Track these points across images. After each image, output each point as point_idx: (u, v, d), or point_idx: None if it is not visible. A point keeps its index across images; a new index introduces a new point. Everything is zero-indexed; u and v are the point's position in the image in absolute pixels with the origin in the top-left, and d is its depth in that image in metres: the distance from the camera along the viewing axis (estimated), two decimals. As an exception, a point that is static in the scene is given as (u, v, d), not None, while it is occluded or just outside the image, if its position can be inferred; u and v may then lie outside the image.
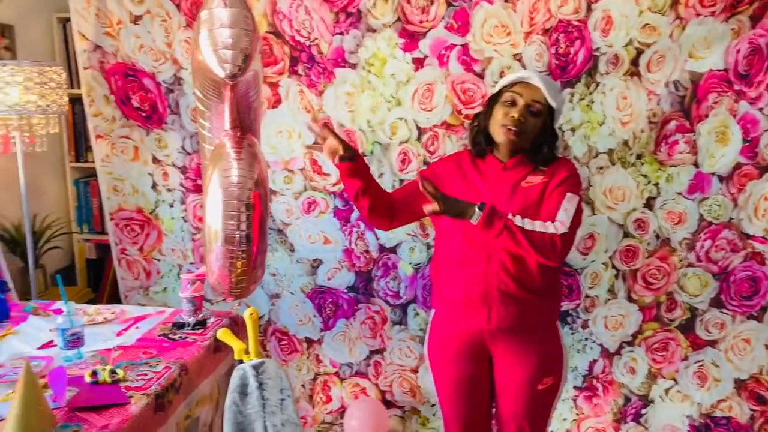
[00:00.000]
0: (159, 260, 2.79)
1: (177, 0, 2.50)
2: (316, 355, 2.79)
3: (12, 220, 2.65)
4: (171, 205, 2.72)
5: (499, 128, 1.72)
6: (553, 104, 1.72)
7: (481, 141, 1.80)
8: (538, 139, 1.74)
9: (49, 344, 1.76)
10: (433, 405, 2.72)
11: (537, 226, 1.64)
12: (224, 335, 1.67)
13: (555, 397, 1.81)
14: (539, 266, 1.73)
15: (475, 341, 1.77)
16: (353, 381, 2.76)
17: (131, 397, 1.45)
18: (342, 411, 2.75)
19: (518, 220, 1.62)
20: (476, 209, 1.60)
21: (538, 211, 1.70)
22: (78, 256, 3.02)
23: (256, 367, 1.05)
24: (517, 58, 2.38)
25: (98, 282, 3.03)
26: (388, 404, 2.74)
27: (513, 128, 1.68)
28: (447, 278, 1.80)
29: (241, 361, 1.56)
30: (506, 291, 1.70)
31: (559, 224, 1.64)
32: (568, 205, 1.69)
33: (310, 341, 2.78)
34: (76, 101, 2.78)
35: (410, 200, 1.87)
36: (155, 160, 2.69)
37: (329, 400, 2.79)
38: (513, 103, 1.72)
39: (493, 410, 1.93)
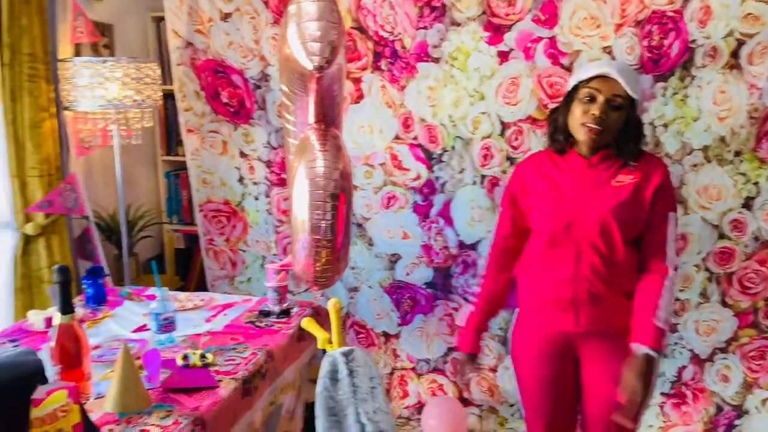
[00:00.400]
0: (244, 251, 2.87)
1: (265, -3, 2.56)
2: (393, 349, 2.79)
3: (108, 209, 2.80)
4: (256, 198, 2.80)
5: (579, 127, 1.65)
6: (635, 96, 1.64)
7: (560, 139, 1.73)
8: (622, 133, 1.66)
9: (142, 328, 1.84)
10: (512, 405, 2.67)
11: (666, 293, 1.63)
12: (309, 324, 1.70)
13: (643, 404, 1.74)
14: (630, 268, 1.67)
15: (562, 342, 1.73)
16: (430, 377, 2.76)
17: (220, 381, 1.50)
18: (419, 407, 2.75)
19: (662, 315, 1.59)
20: (649, 354, 1.57)
21: (632, 212, 1.64)
22: (167, 246, 3.15)
23: (345, 354, 1.06)
24: (607, 50, 2.30)
25: (186, 271, 3.15)
26: (465, 402, 2.72)
27: (595, 126, 1.61)
28: (535, 278, 1.76)
29: (324, 351, 1.58)
30: (596, 293, 1.65)
31: (671, 265, 1.66)
32: (673, 231, 1.67)
33: (387, 335, 2.79)
34: (168, 97, 2.90)
35: (518, 231, 1.83)
36: (242, 154, 2.77)
37: (406, 395, 2.80)
38: (592, 99, 1.63)
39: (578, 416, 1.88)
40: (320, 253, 1.85)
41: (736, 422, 2.40)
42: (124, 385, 1.36)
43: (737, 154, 2.28)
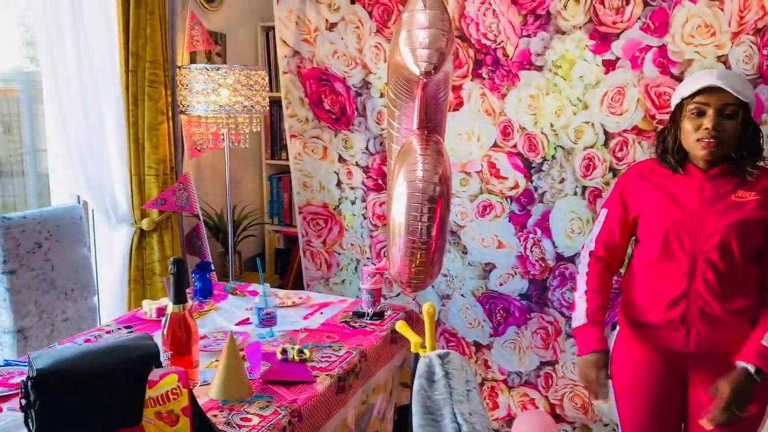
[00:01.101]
0: (339, 254, 2.94)
1: (369, 8, 2.63)
2: (485, 360, 2.77)
3: (216, 209, 2.95)
4: (353, 202, 2.86)
5: (694, 143, 1.59)
6: (746, 99, 1.56)
7: (672, 160, 1.66)
8: (741, 142, 1.58)
9: (245, 321, 1.93)
10: (606, 425, 2.58)
11: None
12: (402, 327, 1.72)
13: (758, 428, 1.64)
14: (746, 287, 1.59)
15: (670, 363, 1.66)
16: (521, 390, 2.71)
17: (317, 376, 1.55)
18: (508, 419, 2.71)
19: None
20: (748, 368, 1.52)
21: (754, 230, 1.57)
22: (268, 245, 3.28)
23: (441, 357, 1.07)
24: (722, 59, 2.19)
25: (284, 270, 3.27)
26: (557, 418, 2.65)
27: (711, 140, 1.55)
28: (642, 293, 1.69)
29: (417, 355, 1.60)
30: (709, 312, 1.57)
31: None
32: None
33: (478, 345, 2.77)
34: (274, 103, 3.03)
35: (623, 237, 1.77)
36: (341, 160, 2.84)
37: (496, 407, 2.76)
38: (702, 113, 1.57)
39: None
40: (415, 255, 1.88)
41: None
42: (228, 373, 1.43)
43: None
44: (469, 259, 2.72)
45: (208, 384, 1.48)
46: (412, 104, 1.98)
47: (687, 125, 1.59)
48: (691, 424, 1.70)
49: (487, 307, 2.73)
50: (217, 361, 1.55)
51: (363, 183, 2.83)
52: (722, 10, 2.16)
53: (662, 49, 2.26)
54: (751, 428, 1.64)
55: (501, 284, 2.69)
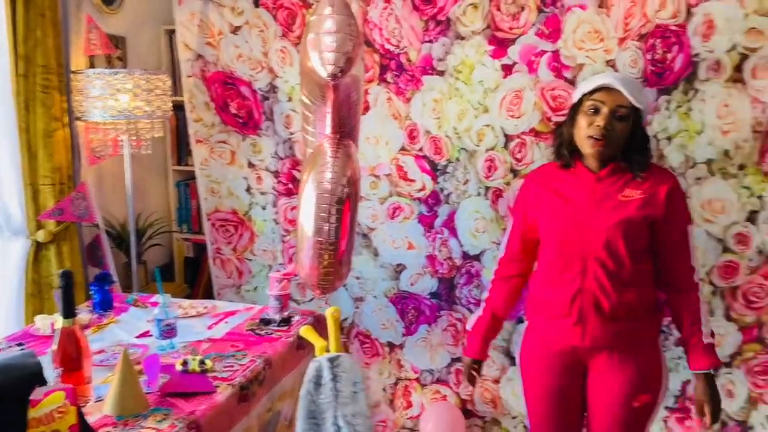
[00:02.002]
0: (251, 260, 2.91)
1: (273, 11, 2.61)
2: (398, 359, 2.81)
3: (119, 218, 2.85)
4: (263, 208, 2.84)
5: (585, 140, 1.66)
6: (639, 105, 1.64)
7: (566, 153, 1.74)
8: (629, 145, 1.67)
9: (146, 334, 1.88)
10: (514, 417, 2.67)
11: (703, 308, 1.72)
12: (307, 332, 1.72)
13: (650, 417, 1.74)
14: (638, 282, 1.68)
15: (570, 356, 1.74)
16: (434, 387, 2.76)
17: (218, 386, 1.53)
18: (421, 416, 2.75)
19: (707, 331, 1.69)
20: (709, 373, 1.70)
21: (638, 228, 1.64)
22: (177, 254, 3.20)
23: (331, 360, 1.08)
24: (611, 64, 2.31)
25: (194, 279, 3.19)
26: (469, 414, 2.72)
27: (600, 138, 1.62)
28: (543, 292, 1.77)
29: (321, 359, 1.61)
30: (602, 308, 1.65)
31: (698, 278, 1.72)
32: (693, 244, 1.71)
33: (392, 345, 2.81)
34: (179, 108, 2.96)
35: (527, 244, 1.86)
36: (250, 165, 2.81)
37: (409, 405, 2.81)
38: (596, 111, 1.64)
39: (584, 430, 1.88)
40: (323, 256, 1.89)
41: (741, 438, 2.38)
42: (122, 388, 1.39)
43: (741, 167, 2.27)
44: (381, 260, 2.75)
45: (103, 400, 1.43)
46: (325, 109, 1.99)
47: (582, 121, 1.66)
48: (590, 413, 1.78)
49: (399, 307, 2.77)
50: (112, 375, 1.50)
51: (273, 188, 2.81)
52: (609, 16, 2.29)
53: (556, 53, 2.36)
54: (644, 416, 1.73)
55: (412, 284, 2.73)
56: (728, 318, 2.36)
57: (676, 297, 1.70)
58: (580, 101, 1.70)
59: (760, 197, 2.28)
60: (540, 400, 1.82)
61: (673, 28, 2.22)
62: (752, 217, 2.29)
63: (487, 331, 1.90)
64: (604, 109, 1.63)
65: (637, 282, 1.68)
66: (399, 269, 2.73)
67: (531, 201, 1.81)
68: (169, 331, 1.75)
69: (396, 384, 2.82)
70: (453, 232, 2.63)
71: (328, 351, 1.70)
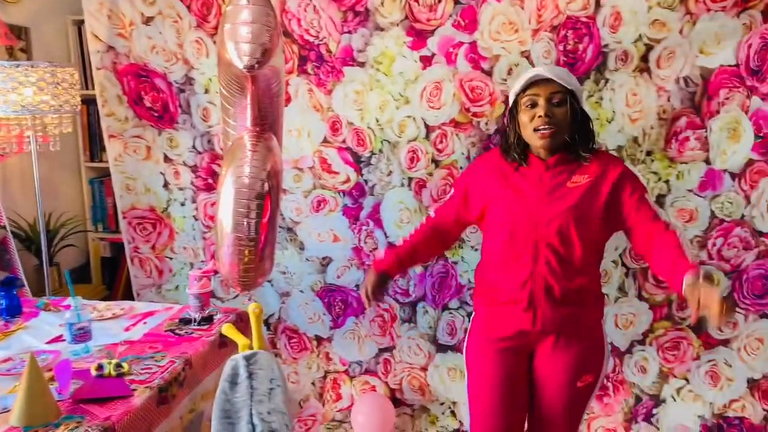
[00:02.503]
0: (171, 258, 2.82)
1: (187, 1, 2.53)
2: (326, 353, 2.80)
3: (27, 218, 2.70)
4: (182, 204, 2.76)
5: (532, 134, 1.69)
6: (571, 87, 1.69)
7: (517, 155, 1.75)
8: (574, 127, 1.70)
9: (58, 339, 1.79)
10: (442, 403, 2.71)
11: (684, 242, 1.62)
12: (228, 330, 1.68)
13: (591, 395, 1.80)
14: (588, 268, 1.72)
15: (518, 340, 1.77)
16: (363, 379, 2.77)
17: (135, 390, 1.48)
18: (351, 409, 2.75)
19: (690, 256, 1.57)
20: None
21: (586, 212, 1.68)
22: (93, 255, 3.07)
23: (247, 358, 1.06)
24: (525, 55, 2.37)
25: (113, 280, 3.07)
26: (398, 402, 2.74)
27: (545, 128, 1.65)
28: (493, 279, 1.79)
29: (244, 356, 1.58)
30: (553, 293, 1.69)
31: (673, 227, 1.66)
32: (654, 205, 1.72)
33: (319, 339, 2.79)
34: (90, 102, 2.83)
35: (460, 216, 1.88)
36: (167, 159, 2.72)
37: (339, 398, 2.80)
38: (534, 105, 1.68)
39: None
40: (243, 252, 1.86)
41: (654, 411, 2.51)
42: (30, 397, 1.32)
43: (649, 153, 2.38)
44: (307, 254, 2.72)
45: (9, 411, 1.36)
46: (245, 101, 1.94)
47: (523, 117, 1.70)
48: (536, 395, 1.82)
49: (326, 300, 2.75)
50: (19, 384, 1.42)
51: (192, 183, 2.73)
52: (523, 8, 2.34)
53: (473, 45, 2.40)
54: (586, 395, 1.79)
55: (338, 277, 2.72)
56: (640, 297, 2.47)
57: (655, 242, 1.63)
58: (516, 102, 1.73)
59: (666, 182, 2.39)
60: (487, 389, 1.82)
61: (584, 19, 2.30)
62: (660, 201, 2.40)
63: (401, 254, 1.90)
64: (541, 100, 1.67)
65: (587, 268, 1.72)
66: (325, 262, 2.72)
67: (476, 186, 1.82)
68: (82, 335, 1.67)
69: (325, 377, 2.81)
70: (378, 223, 2.64)
71: (251, 348, 1.67)
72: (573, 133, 1.70)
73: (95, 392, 1.44)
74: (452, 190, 1.94)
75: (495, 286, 1.80)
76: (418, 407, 2.74)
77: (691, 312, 1.44)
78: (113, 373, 1.54)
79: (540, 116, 1.66)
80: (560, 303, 1.70)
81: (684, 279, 1.47)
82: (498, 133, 1.88)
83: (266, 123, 1.85)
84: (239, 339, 1.65)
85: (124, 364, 1.58)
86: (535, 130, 1.67)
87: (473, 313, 1.93)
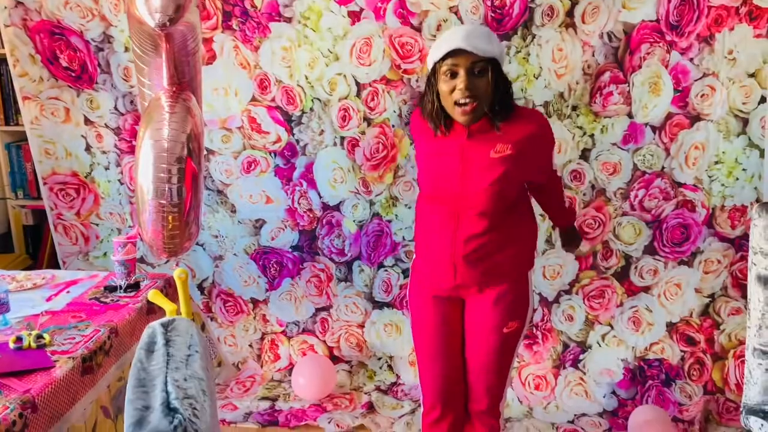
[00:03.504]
0: (97, 224, 2.73)
1: (101, -47, 2.39)
2: (263, 315, 2.79)
3: (-62, 187, 2.56)
4: (106, 168, 2.66)
5: (452, 107, 1.63)
6: (493, 55, 1.63)
7: (438, 123, 1.69)
8: (495, 97, 1.64)
9: (-26, 312, 1.72)
10: (379, 358, 2.76)
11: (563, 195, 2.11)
12: (155, 296, 1.65)
13: (518, 340, 1.87)
14: (509, 229, 1.75)
15: (447, 292, 1.82)
16: (300, 339, 2.79)
17: (56, 361, 1.44)
18: (290, 368, 2.77)
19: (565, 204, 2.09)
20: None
21: (508, 183, 1.69)
22: (14, 223, 2.94)
23: (165, 325, 1.04)
24: (453, 10, 2.36)
25: (37, 249, 2.96)
26: (336, 360, 2.78)
27: (466, 101, 1.60)
28: (421, 236, 1.84)
29: (172, 322, 1.56)
30: (471, 257, 1.72)
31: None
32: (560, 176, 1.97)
33: (255, 301, 2.78)
34: (1, 62, 2.67)
35: None
36: (87, 122, 2.61)
37: (277, 358, 2.81)
38: (454, 75, 1.61)
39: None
40: (167, 219, 1.81)
41: (581, 356, 2.62)
42: (-59, 374, 1.27)
43: (574, 108, 2.43)
44: (239, 217, 2.69)
45: None
46: (159, 59, 1.86)
47: (443, 87, 1.63)
48: (467, 341, 1.87)
49: (260, 263, 2.73)
50: (-69, 361, 1.36)
51: (116, 146, 2.63)
52: (450, -37, 2.31)
53: (401, 0, 2.36)
54: (513, 340, 1.86)
55: (272, 239, 2.70)
56: (567, 249, 2.55)
57: (544, 194, 1.97)
58: (434, 68, 1.66)
59: (591, 136, 2.45)
60: (426, 333, 1.89)
61: (510, -26, 2.30)
62: (585, 155, 2.47)
63: None
64: (461, 71, 1.60)
65: (507, 222, 1.74)
66: (258, 224, 2.69)
67: (416, 136, 1.86)
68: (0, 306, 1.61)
69: (262, 339, 2.82)
70: (312, 183, 2.62)
71: (179, 314, 1.65)
72: (494, 102, 1.65)
73: (13, 365, 1.40)
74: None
75: (423, 240, 1.85)
76: (356, 363, 2.78)
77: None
78: (33, 345, 1.49)
79: (461, 88, 1.59)
80: (479, 265, 1.74)
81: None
82: (419, 101, 1.84)
83: (184, 82, 1.79)
84: (166, 305, 1.62)
85: (45, 336, 1.53)
86: (456, 104, 1.62)
87: (414, 256, 1.95)
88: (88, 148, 2.63)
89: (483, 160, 1.67)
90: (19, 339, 1.50)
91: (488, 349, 1.83)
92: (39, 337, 1.52)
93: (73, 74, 2.55)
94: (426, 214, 1.82)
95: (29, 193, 2.90)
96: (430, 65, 1.70)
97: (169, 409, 0.79)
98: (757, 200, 2.40)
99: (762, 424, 1.64)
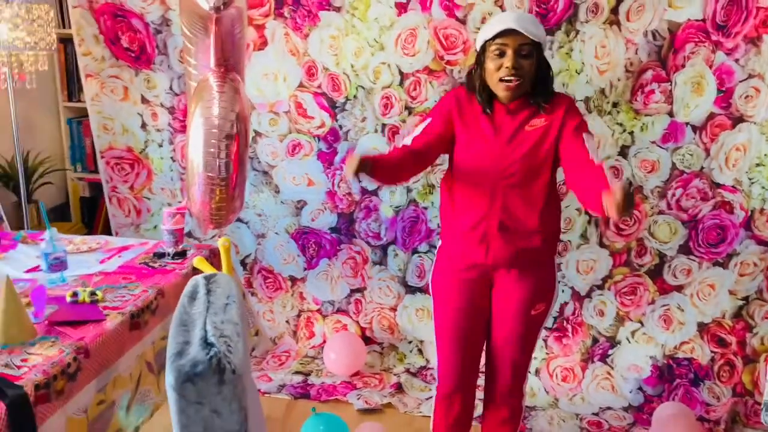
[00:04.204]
0: (149, 199, 2.88)
1: (164, -60, 2.52)
2: (300, 292, 2.90)
3: (6, 155, 2.74)
4: (160, 145, 2.80)
5: (497, 83, 1.74)
6: (539, 40, 1.74)
7: (482, 99, 1.80)
8: (537, 78, 1.77)
9: (35, 269, 1.86)
10: (410, 342, 2.83)
11: (608, 173, 1.65)
12: (200, 263, 1.76)
13: (543, 322, 1.93)
14: (541, 206, 1.80)
15: (476, 273, 1.87)
16: (335, 318, 2.88)
17: (107, 315, 1.56)
18: (324, 346, 2.87)
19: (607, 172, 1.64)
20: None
21: (541, 154, 1.76)
22: (72, 194, 3.12)
23: (207, 278, 1.14)
24: (499, 4, 2.40)
25: (92, 219, 3.13)
26: (368, 341, 2.86)
27: (510, 79, 1.71)
28: (454, 213, 1.89)
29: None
30: (505, 229, 1.79)
31: (601, 162, 1.71)
32: (593, 145, 1.76)
33: (294, 279, 2.89)
34: (68, 41, 2.83)
35: (433, 145, 1.86)
36: (144, 100, 2.75)
37: (312, 335, 2.92)
38: (502, 54, 1.72)
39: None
40: (215, 191, 1.93)
41: (610, 352, 2.64)
42: (6, 317, 1.40)
43: (615, 105, 2.45)
44: (282, 197, 2.79)
45: (-12, 331, 1.44)
46: (207, 41, 1.97)
47: (490, 65, 1.74)
48: (494, 322, 1.92)
49: (300, 242, 2.84)
50: (-3, 308, 1.50)
51: (169, 125, 2.77)
52: (498, -43, 2.36)
53: (448, -7, 2.43)
54: (539, 322, 1.92)
55: (312, 220, 2.80)
56: (601, 245, 2.58)
57: (585, 178, 1.68)
58: (484, 47, 1.77)
59: (631, 133, 2.47)
60: (450, 316, 1.94)
61: (557, -30, 2.33)
62: (624, 152, 2.49)
63: (377, 157, 1.73)
64: (509, 51, 1.71)
65: (540, 205, 1.80)
66: (300, 205, 2.79)
67: (456, 114, 1.84)
68: (57, 265, 1.74)
69: (299, 316, 2.92)
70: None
71: (220, 279, 1.76)
72: (535, 83, 1.77)
73: (69, 316, 1.52)
74: (428, 119, 1.91)
75: (455, 219, 1.89)
76: (387, 345, 2.86)
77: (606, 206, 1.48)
78: (87, 300, 1.61)
79: (507, 67, 1.71)
80: (511, 241, 1.80)
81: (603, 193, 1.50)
82: (466, 77, 1.91)
83: (229, 64, 1.89)
84: (210, 270, 1.73)
85: (98, 293, 1.65)
86: (501, 80, 1.73)
87: (440, 242, 2.01)
88: (143, 126, 2.78)
89: (519, 134, 1.77)
90: (75, 294, 1.62)
91: (516, 329, 1.88)
92: (93, 293, 1.64)
93: (133, 54, 2.69)
94: (460, 192, 1.86)
95: (87, 167, 3.08)
96: (479, 44, 1.79)
97: (207, 344, 0.88)
98: (798, 204, 2.38)
99: (782, 421, 1.66)
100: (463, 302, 1.91)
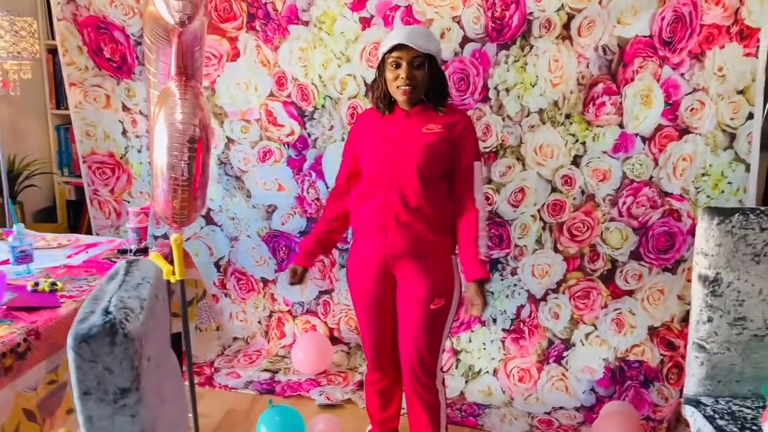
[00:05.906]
0: (128, 202, 3.02)
1: (144, -43, 2.67)
2: (271, 294, 3.02)
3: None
4: (139, 151, 2.94)
5: (395, 90, 1.94)
6: (430, 52, 1.91)
7: (382, 105, 2.00)
8: (430, 85, 1.94)
9: (4, 262, 1.99)
10: (374, 342, 2.94)
11: (481, 230, 1.95)
12: (155, 258, 1.89)
13: (446, 318, 2.02)
14: (434, 199, 1.95)
15: (380, 263, 2.01)
16: (304, 318, 3.00)
17: (63, 303, 1.68)
18: (293, 345, 2.98)
19: (482, 248, 1.94)
20: (480, 280, 1.94)
21: (434, 155, 1.92)
22: (59, 197, 3.26)
23: (130, 263, 1.26)
24: (456, 20, 2.53)
25: (77, 221, 3.27)
26: (335, 341, 2.97)
27: (406, 87, 1.90)
28: (359, 209, 2.04)
29: (168, 281, 1.79)
30: (401, 220, 1.94)
31: (480, 207, 1.97)
32: (479, 177, 1.98)
33: (265, 281, 3.01)
34: (56, 52, 2.99)
35: (353, 174, 2.09)
36: (125, 108, 2.90)
37: (283, 335, 3.03)
38: (398, 66, 1.90)
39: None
40: (177, 192, 2.04)
41: (564, 353, 2.73)
42: (-35, 302, 1.53)
43: (568, 116, 2.56)
44: (253, 201, 2.92)
45: (-51, 315, 1.56)
46: (169, 50, 2.10)
47: (389, 75, 1.93)
48: (399, 315, 2.06)
49: (271, 245, 2.96)
50: (-39, 295, 1.62)
51: (148, 131, 2.90)
52: (455, -25, 2.49)
53: (408, 8, 2.56)
54: (441, 318, 2.02)
55: (283, 224, 2.93)
56: (555, 250, 2.68)
57: (459, 218, 1.98)
58: (383, 59, 1.95)
59: (583, 143, 2.58)
60: (362, 307, 2.12)
61: (510, -12, 2.46)
62: (576, 161, 2.60)
63: (310, 248, 2.16)
64: (403, 63, 1.90)
65: (433, 200, 1.95)
66: (271, 210, 2.92)
67: (357, 142, 2.06)
68: (24, 257, 1.87)
69: (270, 316, 3.04)
70: (320, 174, 2.83)
71: (174, 274, 1.88)
72: (429, 90, 1.94)
73: (27, 302, 1.65)
74: (342, 158, 2.15)
75: (360, 215, 2.04)
76: (354, 345, 2.97)
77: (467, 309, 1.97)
78: (47, 289, 1.74)
79: (402, 77, 1.90)
80: (408, 229, 1.94)
81: (468, 284, 1.96)
82: (369, 87, 2.09)
83: (188, 73, 2.02)
84: (164, 265, 1.85)
85: (59, 283, 1.78)
86: (398, 87, 1.91)
87: (351, 241, 2.15)
88: (124, 132, 2.92)
89: (416, 134, 1.94)
90: (36, 284, 1.75)
91: (416, 322, 2.00)
92: (53, 284, 1.77)
93: (115, 65, 2.85)
94: (364, 195, 2.02)
95: (73, 171, 3.22)
96: (380, 56, 1.97)
97: (107, 313, 1.00)
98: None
99: (693, 412, 1.75)
100: (373, 295, 2.07)
